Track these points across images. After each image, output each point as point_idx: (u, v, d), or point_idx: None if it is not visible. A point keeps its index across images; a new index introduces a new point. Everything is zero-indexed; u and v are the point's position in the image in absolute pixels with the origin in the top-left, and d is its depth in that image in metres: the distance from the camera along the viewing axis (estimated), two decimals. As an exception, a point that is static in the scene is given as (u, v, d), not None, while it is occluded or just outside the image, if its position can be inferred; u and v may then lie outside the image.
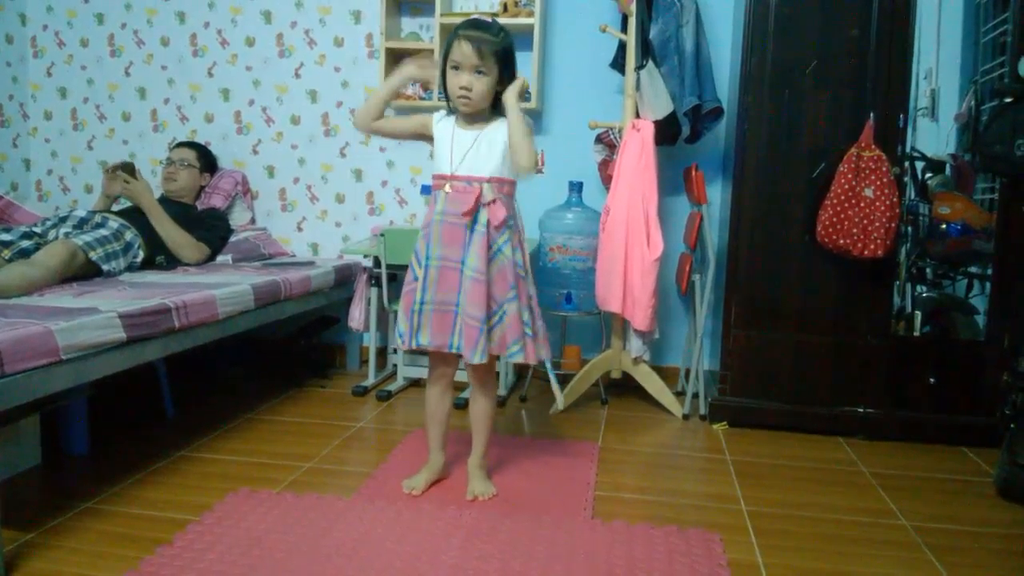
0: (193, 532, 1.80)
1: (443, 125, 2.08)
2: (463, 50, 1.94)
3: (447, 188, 2.03)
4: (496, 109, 2.05)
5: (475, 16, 2.04)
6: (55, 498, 2.00)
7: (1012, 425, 2.21)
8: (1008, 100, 2.43)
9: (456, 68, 1.97)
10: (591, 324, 3.42)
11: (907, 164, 2.67)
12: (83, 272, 2.59)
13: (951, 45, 2.69)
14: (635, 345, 2.94)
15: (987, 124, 2.50)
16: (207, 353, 2.79)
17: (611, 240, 2.85)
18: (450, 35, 1.99)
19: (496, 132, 2.04)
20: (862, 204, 2.52)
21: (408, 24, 3.51)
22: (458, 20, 3.23)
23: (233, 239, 3.36)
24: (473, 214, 2.00)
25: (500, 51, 1.97)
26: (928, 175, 2.72)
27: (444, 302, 2.02)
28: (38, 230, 2.74)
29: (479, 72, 1.96)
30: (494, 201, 2.01)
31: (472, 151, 2.03)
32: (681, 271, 3.05)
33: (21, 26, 3.82)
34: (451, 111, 2.09)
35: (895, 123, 2.61)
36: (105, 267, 2.66)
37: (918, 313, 2.75)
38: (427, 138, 2.12)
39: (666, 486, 2.24)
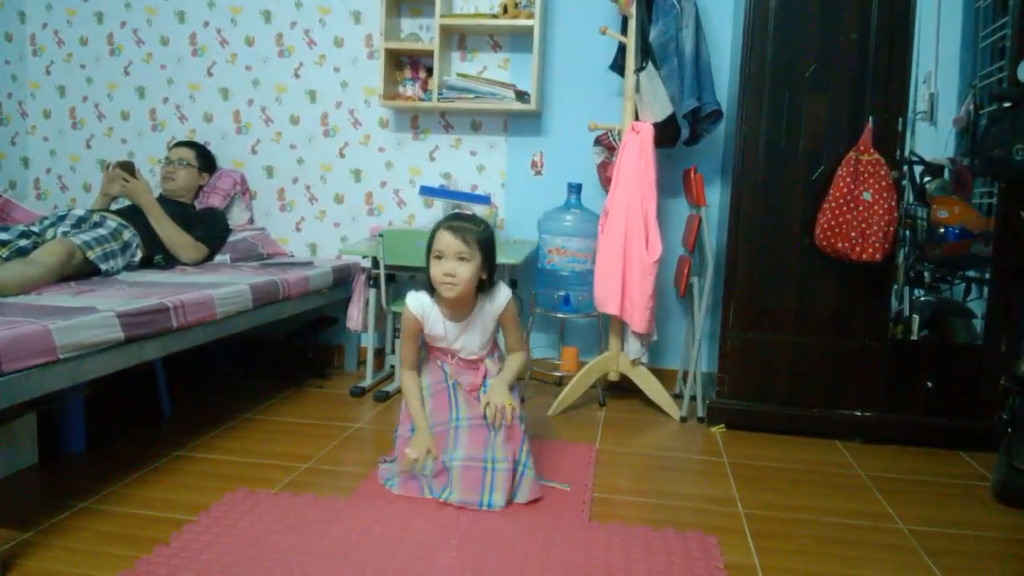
0: (190, 532, 1.80)
1: (431, 315, 2.20)
2: (445, 240, 2.07)
3: (452, 361, 2.25)
4: (479, 291, 2.19)
5: (456, 211, 2.22)
6: (52, 497, 2.00)
7: (1009, 429, 2.21)
8: (1007, 105, 2.44)
9: (439, 257, 2.09)
10: (589, 326, 3.42)
11: (906, 168, 2.67)
12: (81, 271, 2.58)
13: (950, 49, 2.69)
14: (633, 347, 2.94)
15: (986, 128, 2.51)
16: (205, 353, 2.79)
17: (610, 242, 2.85)
18: (433, 228, 2.13)
19: (484, 317, 2.21)
20: (860, 208, 2.52)
21: (408, 25, 3.51)
22: (458, 21, 3.28)
23: (231, 239, 3.35)
24: (480, 387, 2.20)
25: (482, 240, 2.10)
26: (926, 179, 2.72)
27: (473, 457, 2.06)
28: (36, 229, 2.74)
29: (462, 259, 2.07)
30: (497, 372, 2.23)
31: (465, 336, 2.21)
32: (680, 273, 3.05)
33: (20, 24, 3.82)
34: (431, 295, 2.20)
35: (894, 127, 2.61)
36: (103, 266, 2.66)
37: (916, 317, 2.75)
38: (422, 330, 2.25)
39: (663, 488, 2.24)
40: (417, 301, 2.20)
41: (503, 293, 2.22)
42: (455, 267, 2.06)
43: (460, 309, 2.19)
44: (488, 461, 2.04)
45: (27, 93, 3.87)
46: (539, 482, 2.11)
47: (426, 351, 2.32)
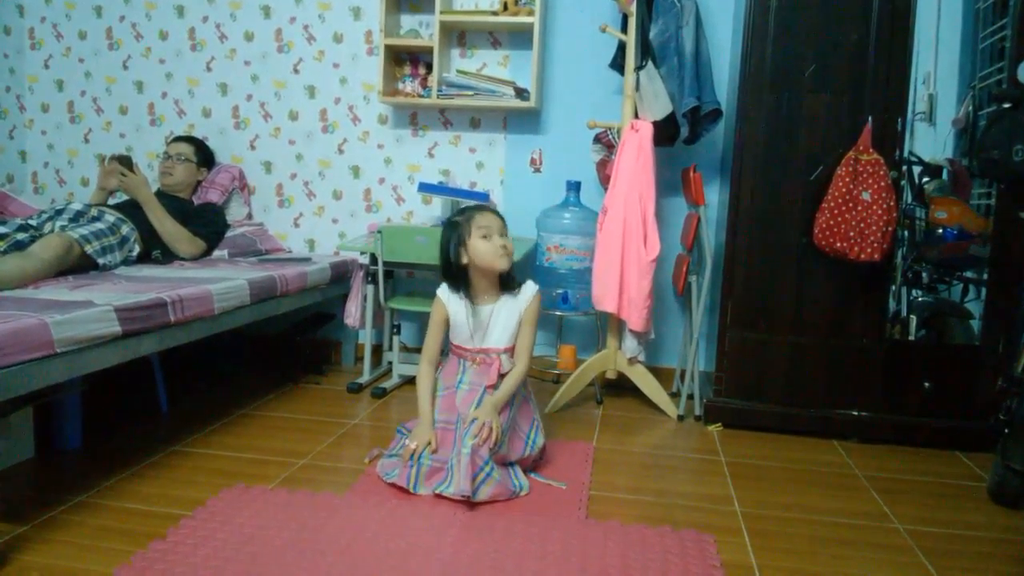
0: (186, 527, 1.80)
1: (455, 302, 2.29)
2: (489, 219, 2.24)
3: (472, 362, 2.29)
4: (503, 286, 2.32)
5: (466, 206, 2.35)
6: (48, 492, 2.00)
7: (1006, 430, 2.21)
8: (1006, 106, 2.44)
9: (486, 237, 2.22)
10: (587, 324, 3.42)
11: (904, 168, 2.68)
12: (78, 265, 2.58)
13: (950, 50, 2.69)
14: (630, 345, 2.94)
15: (985, 129, 2.51)
16: (202, 348, 2.78)
17: (608, 240, 2.85)
18: (466, 217, 2.26)
19: (508, 307, 2.30)
20: (859, 207, 2.52)
21: (407, 21, 3.51)
22: (458, 18, 3.27)
23: (229, 234, 3.35)
24: (494, 386, 2.24)
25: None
26: (925, 179, 2.72)
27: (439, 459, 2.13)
28: (34, 223, 2.73)
29: (505, 234, 2.26)
30: (509, 370, 2.27)
31: (490, 326, 2.29)
32: (678, 272, 3.05)
33: (19, 17, 3.81)
34: (455, 288, 2.29)
35: (893, 127, 2.61)
36: (101, 261, 2.65)
37: (913, 317, 2.76)
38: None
39: (660, 487, 2.24)
40: (445, 289, 2.32)
41: (531, 287, 2.33)
42: (506, 241, 2.25)
43: (485, 293, 2.30)
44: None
45: (25, 87, 3.86)
46: (502, 487, 2.07)
47: (448, 351, 2.38)
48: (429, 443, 2.13)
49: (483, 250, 2.23)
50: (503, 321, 2.29)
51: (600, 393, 3.13)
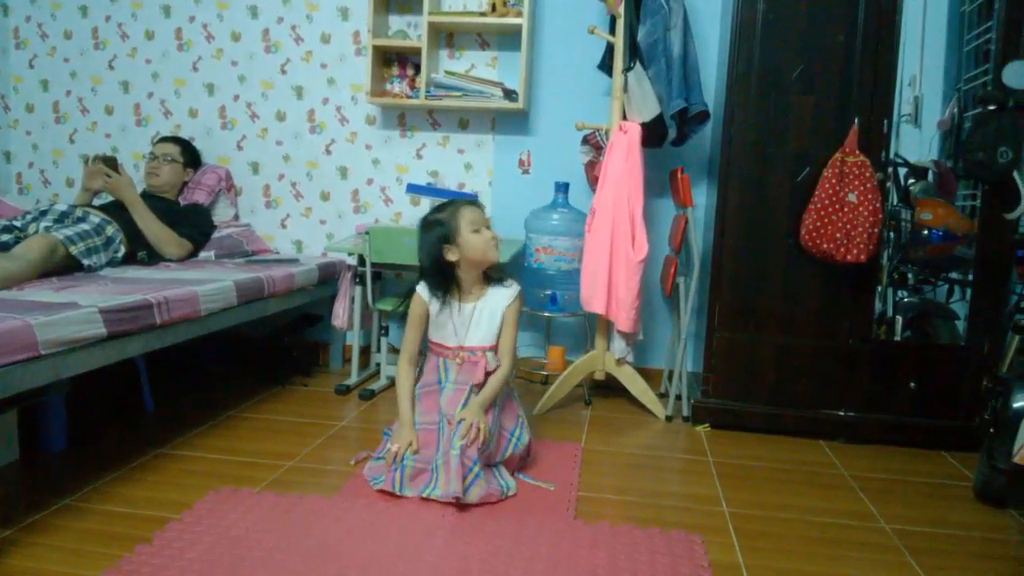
0: (173, 530, 1.78)
1: (436, 299, 2.28)
2: (476, 214, 2.24)
3: (458, 360, 2.27)
4: (487, 281, 2.33)
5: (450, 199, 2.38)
6: (33, 495, 1.98)
7: (991, 429, 2.23)
8: (991, 108, 2.46)
9: (477, 231, 2.22)
10: (575, 325, 3.42)
11: (890, 170, 2.69)
12: (63, 267, 2.55)
13: (935, 52, 2.72)
14: (619, 346, 2.95)
15: (970, 131, 2.52)
16: (189, 350, 2.77)
17: (596, 241, 2.85)
18: (449, 213, 2.25)
19: (492, 304, 2.30)
20: (846, 209, 2.54)
21: (395, 22, 3.50)
22: (446, 19, 3.26)
23: (216, 235, 3.33)
24: (481, 384, 2.24)
25: None
26: (911, 181, 2.74)
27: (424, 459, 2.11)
28: (18, 223, 2.71)
29: (489, 226, 2.28)
30: (495, 368, 2.27)
31: (474, 323, 2.28)
32: (666, 273, 3.06)
33: (3, 17, 3.78)
34: (440, 287, 2.27)
35: (879, 129, 2.63)
36: (86, 262, 2.63)
37: (899, 318, 2.77)
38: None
39: (648, 487, 2.24)
40: (424, 285, 2.31)
41: (515, 286, 2.34)
42: (493, 232, 2.26)
43: (471, 290, 2.29)
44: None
45: (10, 87, 3.83)
46: (491, 487, 2.07)
47: (427, 349, 2.35)
48: (410, 444, 2.13)
49: (476, 244, 2.22)
50: (487, 318, 2.28)
51: (588, 394, 3.14)
